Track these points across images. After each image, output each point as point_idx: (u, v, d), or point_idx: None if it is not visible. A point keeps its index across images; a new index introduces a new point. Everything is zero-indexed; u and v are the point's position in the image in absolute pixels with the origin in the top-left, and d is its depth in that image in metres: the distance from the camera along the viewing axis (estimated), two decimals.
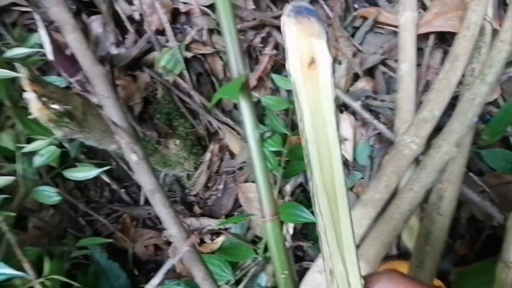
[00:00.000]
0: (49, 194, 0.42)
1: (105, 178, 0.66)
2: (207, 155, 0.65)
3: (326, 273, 0.22)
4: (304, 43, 0.20)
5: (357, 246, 0.42)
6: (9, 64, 0.44)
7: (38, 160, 0.41)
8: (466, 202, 0.51)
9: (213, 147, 0.65)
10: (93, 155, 0.64)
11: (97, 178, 0.67)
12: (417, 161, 0.45)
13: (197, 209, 0.67)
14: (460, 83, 0.47)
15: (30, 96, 0.35)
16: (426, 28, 0.52)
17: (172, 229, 0.40)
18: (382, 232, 0.40)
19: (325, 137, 0.21)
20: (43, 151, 0.41)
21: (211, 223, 0.63)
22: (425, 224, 0.41)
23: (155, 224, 0.69)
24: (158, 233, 0.67)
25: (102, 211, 0.67)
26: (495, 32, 0.50)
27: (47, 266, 0.40)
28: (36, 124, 0.42)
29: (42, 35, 0.40)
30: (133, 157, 0.37)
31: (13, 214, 0.38)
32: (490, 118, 0.53)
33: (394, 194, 0.43)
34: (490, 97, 0.52)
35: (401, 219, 0.41)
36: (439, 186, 0.42)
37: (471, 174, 0.51)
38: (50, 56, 0.42)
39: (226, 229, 0.62)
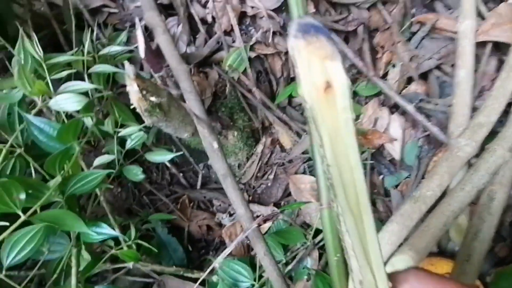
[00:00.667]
0: (136, 172, 0.49)
1: (167, 163, 0.74)
2: (259, 147, 0.70)
3: (355, 283, 0.23)
4: (317, 67, 0.19)
5: (406, 238, 0.45)
6: (104, 59, 0.52)
7: (129, 143, 0.48)
8: (511, 206, 0.52)
9: (265, 140, 0.70)
10: (158, 143, 0.71)
11: (159, 162, 0.74)
12: (469, 163, 0.47)
13: (246, 197, 0.72)
14: None
15: (133, 89, 0.41)
16: (483, 37, 0.53)
17: (240, 209, 0.45)
18: (432, 226, 0.43)
19: (347, 160, 0.20)
20: (133, 135, 0.48)
21: (260, 209, 0.68)
22: (474, 223, 0.44)
23: (208, 207, 0.76)
24: (211, 215, 0.74)
25: (162, 192, 0.75)
26: None
27: (133, 232, 0.47)
28: (127, 113, 0.50)
29: (139, 36, 0.47)
30: (214, 145, 0.43)
31: (112, 186, 0.45)
32: None
33: (444, 193, 0.46)
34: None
35: (451, 216, 0.43)
36: (491, 188, 0.44)
37: None
38: (142, 54, 0.49)
39: (274, 216, 0.67)
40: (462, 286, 0.23)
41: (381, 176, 0.65)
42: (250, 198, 0.72)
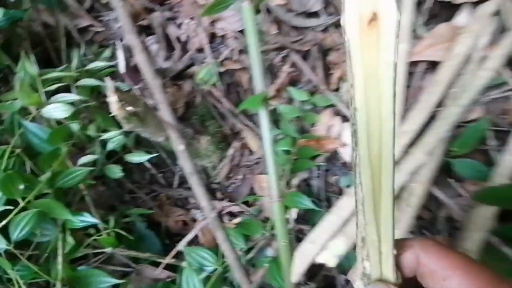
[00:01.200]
0: (116, 171, 0.57)
1: (147, 164, 0.82)
2: (230, 151, 0.78)
3: (357, 239, 0.22)
4: None
5: (344, 223, 0.54)
6: (90, 74, 0.60)
7: (110, 145, 0.56)
8: (444, 203, 0.61)
9: (236, 144, 0.78)
10: (139, 146, 0.79)
11: (140, 164, 0.82)
12: (397, 164, 0.56)
13: (219, 195, 0.80)
14: (440, 104, 0.58)
15: (113, 100, 0.49)
16: (416, 57, 0.63)
17: (202, 202, 0.54)
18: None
19: (378, 108, 0.18)
20: (114, 139, 0.56)
21: (230, 206, 0.76)
22: (397, 215, 0.53)
23: (184, 205, 0.84)
24: (186, 211, 0.82)
25: (142, 191, 0.82)
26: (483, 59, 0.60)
27: (112, 222, 0.55)
28: (109, 120, 0.58)
29: (119, 55, 0.55)
30: (181, 147, 0.51)
31: (93, 182, 0.53)
32: None
33: None
34: (469, 116, 0.63)
35: None
36: (411, 185, 0.53)
37: (450, 180, 0.61)
38: (122, 70, 0.57)
39: (242, 211, 0.75)
40: (469, 260, 0.22)
41: (336, 177, 0.74)
42: (223, 196, 0.80)
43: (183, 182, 0.84)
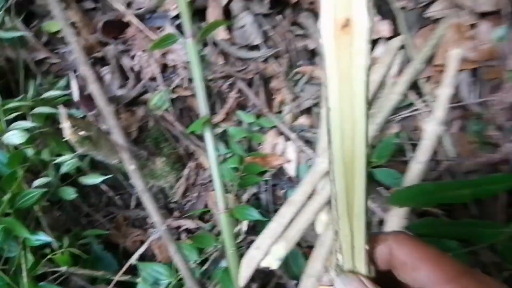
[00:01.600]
0: (70, 192, 0.60)
1: (104, 187, 0.84)
2: (186, 171, 0.83)
3: (333, 233, 0.23)
4: (343, 2, 0.17)
5: (284, 229, 0.60)
6: (46, 102, 0.64)
7: (63, 168, 0.59)
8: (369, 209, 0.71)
9: (191, 164, 0.83)
10: (96, 169, 0.82)
11: (97, 187, 0.84)
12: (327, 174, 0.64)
13: (176, 213, 0.84)
14: None
15: (66, 125, 0.54)
16: None
17: (154, 216, 0.58)
18: (299, 222, 0.59)
19: (351, 108, 0.19)
20: (67, 162, 0.59)
21: (187, 223, 0.80)
22: (329, 217, 0.60)
23: (141, 225, 0.86)
24: (144, 231, 0.84)
25: (100, 213, 0.84)
26: (394, 85, 0.72)
27: (66, 242, 0.57)
28: (63, 144, 0.61)
29: (73, 84, 0.60)
30: (132, 167, 0.56)
31: (48, 203, 0.56)
32: None
33: (310, 197, 0.62)
34: (389, 132, 0.74)
35: (313, 213, 0.60)
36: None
37: (379, 188, 0.71)
38: (76, 98, 0.62)
39: (199, 228, 0.80)
40: (438, 252, 0.22)
41: (283, 190, 0.81)
42: (180, 214, 0.84)
43: (140, 203, 0.87)
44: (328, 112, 0.20)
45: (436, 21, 0.73)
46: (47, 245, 0.57)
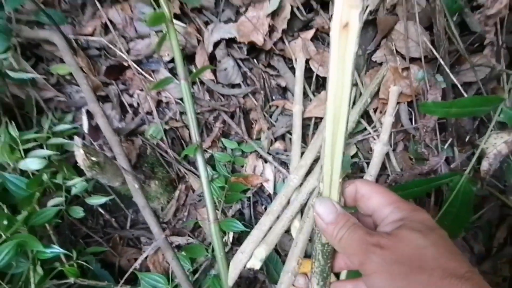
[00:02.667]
0: (78, 211, 0.69)
1: (100, 209, 0.92)
2: (177, 193, 0.94)
3: (320, 167, 0.33)
4: (345, 11, 0.26)
5: (264, 235, 0.71)
6: (57, 134, 0.74)
7: (74, 190, 0.69)
8: None
9: (181, 186, 0.94)
10: (97, 192, 0.90)
11: (94, 210, 0.92)
12: (298, 187, 0.78)
13: (167, 232, 0.93)
14: None
15: (80, 152, 0.64)
16: (308, 114, 0.89)
17: (153, 228, 0.68)
18: (276, 228, 0.71)
19: (342, 77, 0.28)
20: (77, 185, 0.69)
21: (178, 239, 0.89)
22: (301, 224, 0.73)
23: (136, 244, 0.93)
24: (138, 250, 0.91)
25: (97, 235, 0.91)
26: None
27: (74, 254, 0.65)
28: (72, 170, 0.71)
29: (83, 118, 0.71)
30: (136, 185, 0.66)
31: (60, 221, 0.64)
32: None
33: (285, 207, 0.75)
34: (348, 152, 0.89)
35: (288, 220, 0.72)
36: (309, 202, 0.75)
37: None
38: (86, 130, 0.73)
39: (189, 243, 0.89)
40: (387, 189, 0.32)
41: (263, 206, 0.93)
42: (171, 232, 0.93)
43: (135, 223, 0.95)
44: (328, 82, 0.29)
45: (380, 64, 0.92)
46: (56, 259, 0.64)
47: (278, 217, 0.73)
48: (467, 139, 0.70)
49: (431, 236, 0.29)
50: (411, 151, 0.81)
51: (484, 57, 0.71)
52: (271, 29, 0.90)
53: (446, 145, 0.75)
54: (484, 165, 0.49)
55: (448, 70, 0.76)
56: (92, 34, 0.86)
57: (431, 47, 0.79)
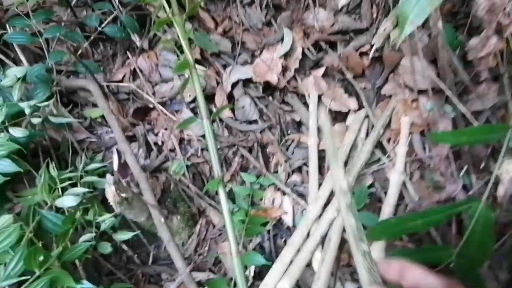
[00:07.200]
0: (107, 247, 0.72)
1: (124, 246, 0.94)
2: (197, 227, 0.96)
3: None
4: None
5: (286, 268, 0.71)
6: (89, 173, 0.79)
7: (103, 226, 0.72)
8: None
9: (202, 221, 0.96)
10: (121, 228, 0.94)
11: (117, 247, 0.95)
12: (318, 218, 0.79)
13: (190, 267, 0.93)
14: None
15: (112, 189, 0.69)
16: (323, 146, 0.93)
17: (177, 262, 0.70)
18: (298, 260, 0.71)
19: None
20: (107, 221, 0.73)
21: (199, 275, 0.90)
22: (322, 255, 0.73)
23: (157, 281, 0.94)
24: (159, 287, 0.92)
25: (120, 272, 0.92)
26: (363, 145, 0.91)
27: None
28: (101, 206, 0.75)
29: (114, 157, 0.77)
30: (161, 220, 0.69)
31: (90, 256, 0.67)
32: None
33: (306, 239, 0.76)
34: (364, 183, 0.90)
35: (309, 252, 0.73)
36: (329, 234, 0.76)
37: None
38: (116, 168, 0.78)
39: (210, 279, 0.89)
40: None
41: (283, 239, 0.93)
42: (192, 268, 0.93)
43: (156, 259, 0.96)
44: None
45: (389, 97, 0.96)
46: None
47: (299, 250, 0.74)
48: (482, 165, 0.72)
49: None
50: (427, 180, 0.82)
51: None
52: (284, 69, 0.97)
53: (462, 172, 0.77)
54: (500, 190, 0.51)
55: (456, 100, 0.80)
56: (121, 81, 0.95)
57: (437, 79, 0.83)
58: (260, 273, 0.86)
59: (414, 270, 0.34)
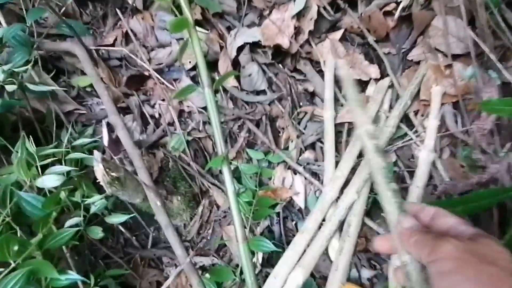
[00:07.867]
0: (97, 232, 0.64)
1: (121, 228, 0.87)
2: (200, 208, 0.88)
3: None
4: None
5: (300, 257, 0.63)
6: (76, 149, 0.70)
7: (93, 209, 0.64)
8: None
9: (205, 202, 0.88)
10: (116, 210, 0.86)
11: (114, 229, 0.88)
12: (336, 202, 0.70)
13: (191, 251, 0.87)
14: (360, 154, 0.75)
15: (100, 167, 0.60)
16: (340, 119, 0.82)
17: (177, 250, 0.62)
18: (313, 249, 0.63)
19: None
20: (96, 203, 0.64)
21: (202, 260, 0.83)
22: (340, 244, 0.64)
23: (157, 265, 0.87)
24: (160, 272, 0.85)
25: (117, 255, 0.86)
26: (387, 119, 0.80)
27: (93, 280, 0.60)
28: (91, 187, 0.67)
29: (104, 131, 0.67)
30: (158, 203, 0.61)
31: (77, 243, 0.59)
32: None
33: (321, 224, 0.67)
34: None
35: (325, 239, 0.64)
36: (348, 219, 0.67)
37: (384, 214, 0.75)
38: (106, 143, 0.68)
39: (214, 264, 0.82)
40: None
41: (294, 222, 0.85)
42: (195, 252, 0.86)
43: (156, 243, 0.90)
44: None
45: (417, 63, 0.84)
46: (72, 286, 0.59)
47: (313, 237, 0.65)
48: None
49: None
50: (460, 158, 0.72)
51: None
52: (297, 31, 0.84)
53: (505, 149, 0.66)
54: None
55: (501, 66, 0.68)
56: (113, 45, 0.84)
57: (479, 41, 0.71)
58: (269, 260, 0.79)
59: (448, 217, 0.34)
